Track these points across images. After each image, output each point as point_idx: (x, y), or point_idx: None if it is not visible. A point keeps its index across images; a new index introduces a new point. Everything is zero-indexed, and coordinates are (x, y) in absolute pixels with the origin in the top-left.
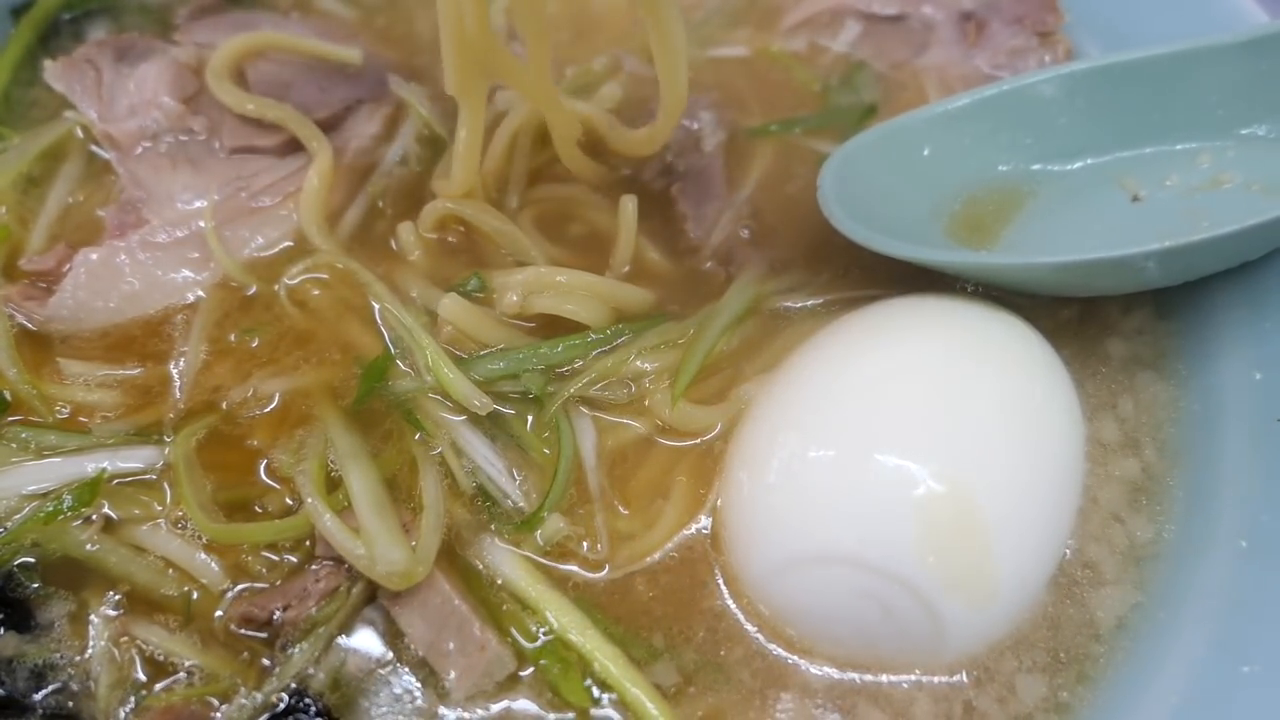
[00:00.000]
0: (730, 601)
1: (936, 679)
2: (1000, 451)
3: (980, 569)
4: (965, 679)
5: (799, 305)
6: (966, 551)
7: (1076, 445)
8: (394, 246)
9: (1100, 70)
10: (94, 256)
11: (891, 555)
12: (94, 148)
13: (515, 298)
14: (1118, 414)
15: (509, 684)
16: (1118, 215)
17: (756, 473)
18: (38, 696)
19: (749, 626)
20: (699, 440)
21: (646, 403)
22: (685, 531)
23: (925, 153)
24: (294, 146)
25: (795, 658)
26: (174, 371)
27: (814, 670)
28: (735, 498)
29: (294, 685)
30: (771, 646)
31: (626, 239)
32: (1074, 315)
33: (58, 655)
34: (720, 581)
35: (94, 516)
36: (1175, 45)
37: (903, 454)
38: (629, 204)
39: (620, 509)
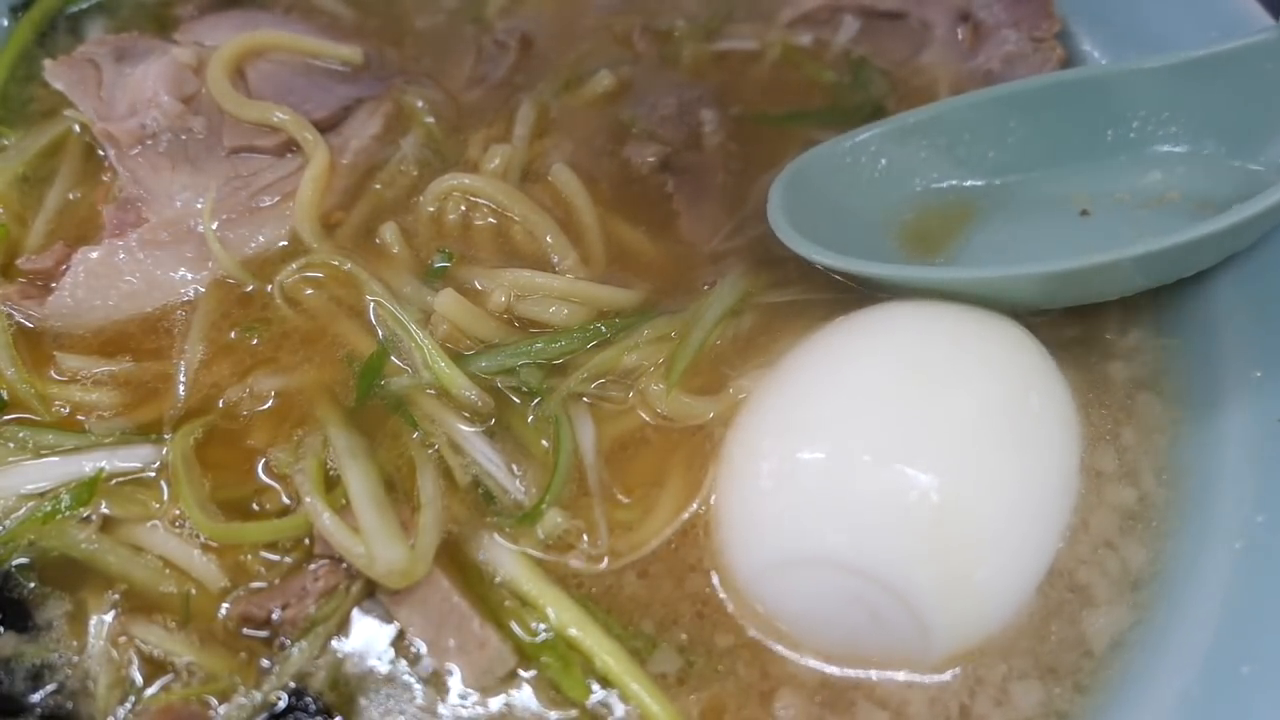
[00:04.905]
0: (725, 598)
1: (928, 680)
2: (992, 457)
3: (969, 576)
4: (957, 683)
5: (792, 299)
6: (955, 558)
7: (1070, 452)
8: (393, 248)
9: (1055, 85)
10: (93, 255)
11: (880, 560)
12: (92, 145)
13: (503, 297)
14: (1119, 435)
15: (509, 680)
16: (1064, 229)
17: (749, 473)
18: (36, 697)
19: (744, 623)
20: (696, 426)
21: (643, 394)
22: (683, 520)
23: (881, 165)
24: (294, 145)
25: (791, 654)
26: (172, 369)
27: (812, 666)
28: (728, 497)
29: (293, 684)
30: (769, 642)
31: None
32: (1076, 335)
33: (56, 655)
34: (716, 578)
35: (92, 516)
36: (1128, 63)
37: (894, 459)
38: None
39: (621, 499)
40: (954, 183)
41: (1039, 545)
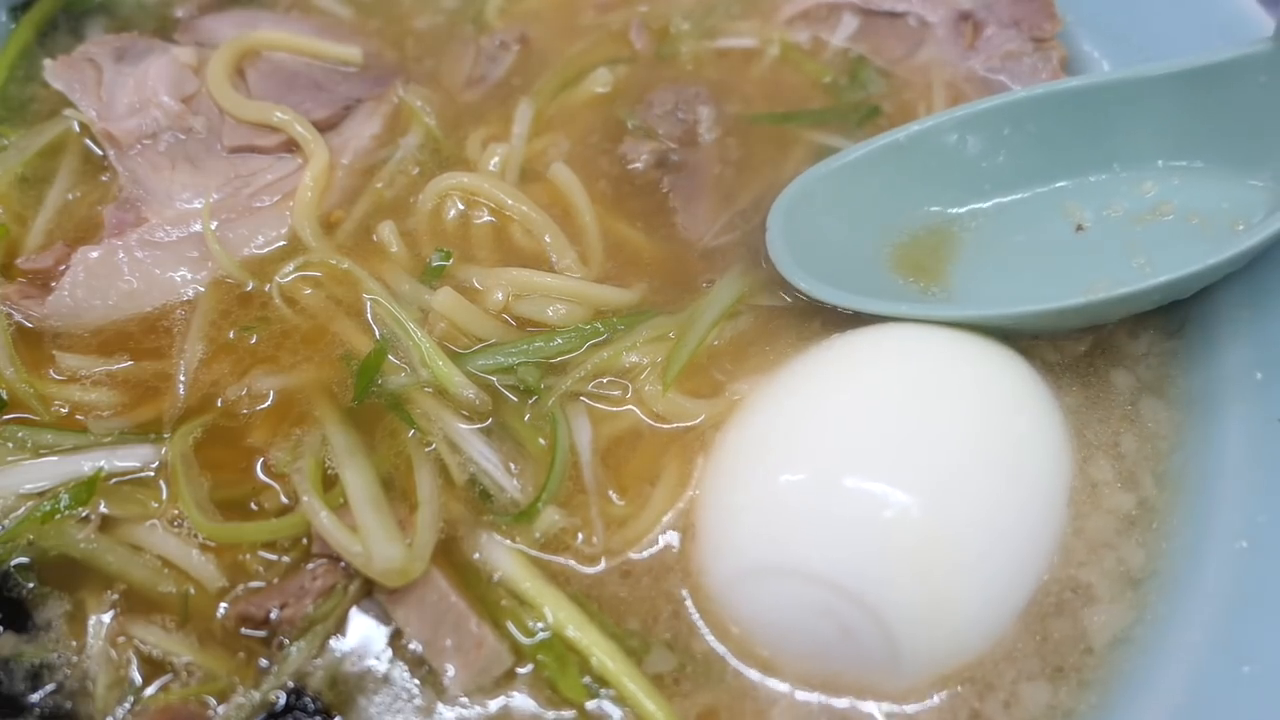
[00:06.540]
0: (696, 609)
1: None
2: (976, 482)
3: (946, 601)
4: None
5: (790, 301)
6: (929, 580)
7: (1060, 476)
8: (391, 247)
9: (1046, 97)
10: (93, 255)
11: (854, 576)
12: (92, 145)
13: (501, 296)
14: (1121, 432)
15: (507, 680)
16: (1061, 247)
17: (732, 486)
18: (35, 697)
19: (733, 626)
20: (690, 427)
21: (639, 394)
22: (675, 521)
23: (876, 186)
24: (294, 145)
25: (762, 673)
26: (172, 369)
27: (776, 685)
28: (711, 505)
29: (292, 683)
30: (739, 658)
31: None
32: (1086, 348)
33: (55, 655)
34: (686, 591)
35: (91, 515)
36: (1119, 73)
37: (875, 479)
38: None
39: (615, 499)
40: (952, 199)
41: (1022, 567)
